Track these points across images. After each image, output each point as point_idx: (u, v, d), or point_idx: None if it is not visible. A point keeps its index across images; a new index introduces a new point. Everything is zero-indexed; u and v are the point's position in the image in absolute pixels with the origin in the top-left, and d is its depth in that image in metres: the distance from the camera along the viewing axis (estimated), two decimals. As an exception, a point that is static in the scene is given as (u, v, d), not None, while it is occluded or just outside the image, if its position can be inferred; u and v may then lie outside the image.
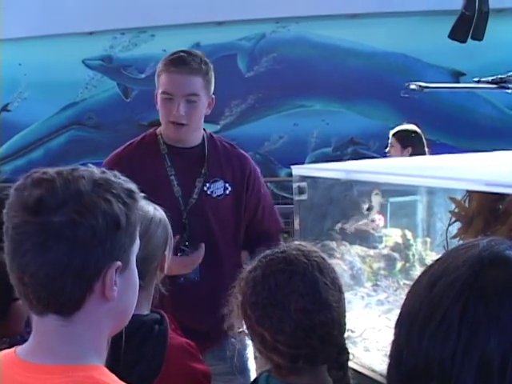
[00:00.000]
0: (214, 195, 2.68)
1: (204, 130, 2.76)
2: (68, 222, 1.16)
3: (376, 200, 2.93)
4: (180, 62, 2.61)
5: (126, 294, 1.27)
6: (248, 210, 2.76)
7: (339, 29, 8.05)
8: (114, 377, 1.23)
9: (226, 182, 2.70)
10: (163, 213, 1.96)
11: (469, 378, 0.90)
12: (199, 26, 8.14)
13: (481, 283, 0.94)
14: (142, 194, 1.33)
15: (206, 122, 2.72)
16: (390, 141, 4.84)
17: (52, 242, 1.16)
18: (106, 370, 1.23)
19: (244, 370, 2.71)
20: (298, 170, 2.65)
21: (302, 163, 4.82)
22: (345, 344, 1.68)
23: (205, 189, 2.67)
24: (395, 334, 1.02)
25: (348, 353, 1.68)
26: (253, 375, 2.74)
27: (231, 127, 8.36)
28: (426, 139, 4.81)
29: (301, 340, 1.59)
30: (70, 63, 8.47)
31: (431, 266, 1.03)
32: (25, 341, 1.28)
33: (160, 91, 2.64)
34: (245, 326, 1.69)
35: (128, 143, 2.76)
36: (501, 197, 2.11)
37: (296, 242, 1.77)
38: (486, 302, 0.92)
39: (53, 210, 1.16)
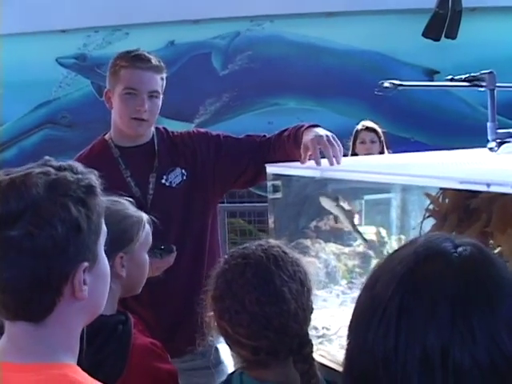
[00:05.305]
0: (174, 185, 2.66)
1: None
2: (26, 235, 1.16)
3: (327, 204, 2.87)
4: (144, 58, 2.60)
5: (96, 288, 1.27)
6: (226, 165, 2.81)
7: (314, 27, 8.05)
8: (85, 375, 1.23)
9: (182, 169, 2.69)
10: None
11: (413, 371, 0.92)
12: (174, 24, 8.10)
13: (415, 279, 0.96)
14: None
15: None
16: (368, 138, 4.82)
17: (13, 256, 1.17)
18: (79, 369, 1.24)
19: (220, 364, 2.69)
20: (271, 169, 2.64)
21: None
22: (306, 336, 1.69)
23: (162, 181, 2.65)
24: (347, 337, 1.05)
25: (311, 345, 1.69)
26: (230, 369, 2.75)
27: (206, 125, 8.25)
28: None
29: (258, 332, 1.61)
30: (44, 62, 8.39)
31: (375, 267, 1.05)
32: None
33: (122, 87, 2.60)
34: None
35: (77, 156, 2.69)
36: (474, 194, 2.12)
37: (271, 241, 1.78)
38: (420, 297, 0.95)
39: (9, 224, 1.16)
